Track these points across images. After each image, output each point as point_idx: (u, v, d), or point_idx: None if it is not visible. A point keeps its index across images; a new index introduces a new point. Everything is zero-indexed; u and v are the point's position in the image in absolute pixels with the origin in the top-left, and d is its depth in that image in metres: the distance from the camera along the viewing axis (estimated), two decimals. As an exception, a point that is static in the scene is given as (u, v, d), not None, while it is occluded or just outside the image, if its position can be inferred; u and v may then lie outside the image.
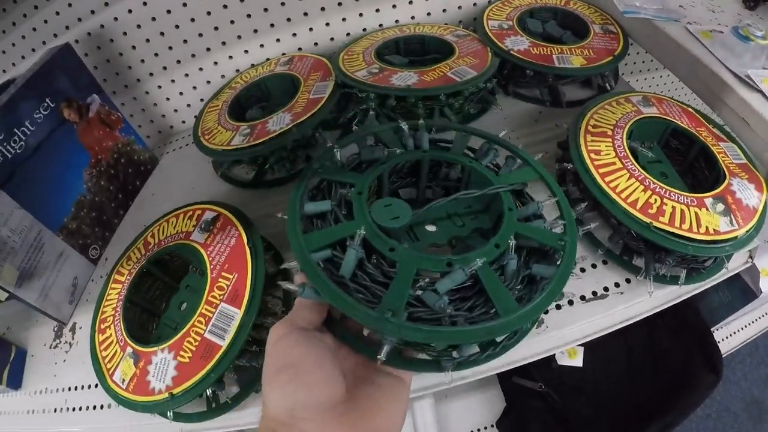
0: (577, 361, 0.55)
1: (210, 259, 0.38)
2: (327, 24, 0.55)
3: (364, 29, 0.56)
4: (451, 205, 0.35)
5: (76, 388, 0.45)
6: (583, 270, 0.39)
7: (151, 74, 0.57)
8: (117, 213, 0.55)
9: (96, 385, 0.44)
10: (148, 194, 0.55)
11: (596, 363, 0.55)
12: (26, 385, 0.48)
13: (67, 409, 0.45)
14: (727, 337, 0.72)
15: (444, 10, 0.57)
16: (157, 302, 0.43)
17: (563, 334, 0.36)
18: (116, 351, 0.38)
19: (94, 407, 0.43)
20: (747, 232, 0.36)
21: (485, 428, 0.58)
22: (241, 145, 0.44)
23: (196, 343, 0.34)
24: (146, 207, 0.54)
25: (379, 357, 0.26)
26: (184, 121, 0.61)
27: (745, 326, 0.74)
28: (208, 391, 0.37)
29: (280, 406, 0.23)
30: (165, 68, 0.56)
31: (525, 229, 0.32)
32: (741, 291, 0.59)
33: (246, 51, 0.56)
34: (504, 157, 0.37)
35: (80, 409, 0.44)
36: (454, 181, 0.38)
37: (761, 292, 0.56)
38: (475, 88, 0.44)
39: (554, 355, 0.56)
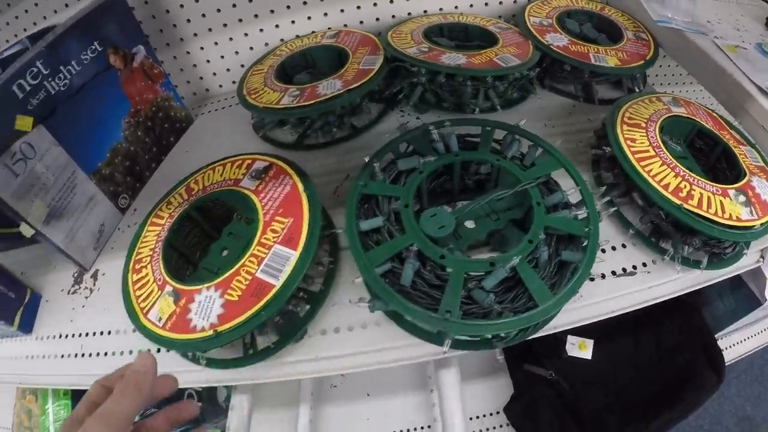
0: (587, 354, 0.58)
1: (262, 204, 0.40)
2: (375, 4, 0.59)
3: (409, 13, 0.60)
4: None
5: (94, 334, 0.46)
6: (614, 248, 0.43)
7: (196, 35, 0.59)
8: (149, 165, 0.57)
9: (117, 332, 0.45)
10: (181, 150, 0.57)
11: (605, 357, 0.58)
12: (38, 330, 0.49)
13: (83, 354, 0.46)
14: (725, 348, 0.76)
15: (486, 4, 0.62)
16: (193, 249, 0.45)
17: (597, 306, 0.40)
18: (153, 290, 0.39)
19: (113, 353, 0.44)
20: (764, 225, 0.40)
21: (491, 414, 0.61)
22: (291, 105, 0.47)
23: (247, 282, 0.36)
24: (179, 163, 0.56)
25: (444, 350, 0.33)
26: (221, 85, 0.64)
27: (745, 339, 0.79)
28: (248, 337, 0.38)
29: None
30: (210, 30, 0.59)
31: (553, 222, 0.37)
32: (746, 298, 0.64)
33: (293, 21, 0.59)
34: (527, 145, 0.42)
35: (97, 354, 0.45)
36: (485, 174, 0.42)
37: (766, 299, 0.61)
38: (519, 74, 0.49)
39: (565, 345, 0.60)
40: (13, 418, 0.80)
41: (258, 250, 0.37)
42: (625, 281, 0.41)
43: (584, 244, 0.36)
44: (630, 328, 0.59)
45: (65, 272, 0.52)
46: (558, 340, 0.58)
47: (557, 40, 0.55)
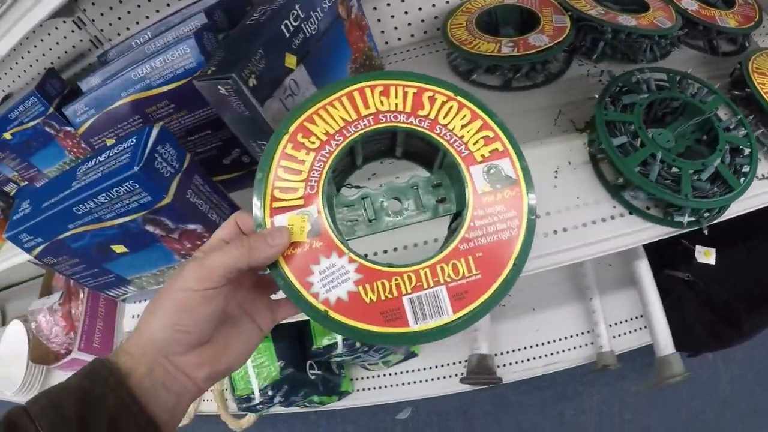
0: (711, 260, 0.92)
1: (470, 224, 0.39)
2: (539, -31, 0.87)
3: (566, -23, 0.89)
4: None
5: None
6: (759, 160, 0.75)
7: (384, -9, 0.84)
8: (360, 109, 0.81)
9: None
10: (386, 95, 0.82)
11: (726, 262, 0.92)
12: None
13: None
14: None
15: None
16: (364, 161, 0.48)
17: (749, 201, 0.71)
18: (298, 189, 0.38)
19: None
20: None
21: (630, 319, 0.93)
22: (515, 54, 0.74)
23: (389, 297, 0.36)
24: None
25: (684, 222, 0.61)
26: (399, 39, 0.89)
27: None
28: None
29: (159, 334, 0.34)
30: (399, -13, 0.84)
31: (730, 138, 0.68)
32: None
33: (472, -18, 0.85)
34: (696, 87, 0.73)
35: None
36: (674, 108, 0.72)
37: None
38: (674, 33, 0.80)
39: (694, 254, 0.93)
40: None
41: (424, 273, 0.37)
42: (764, 183, 0.74)
43: (747, 153, 0.68)
44: (742, 240, 0.93)
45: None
46: (687, 249, 0.91)
47: (690, 5, 0.87)
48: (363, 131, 0.40)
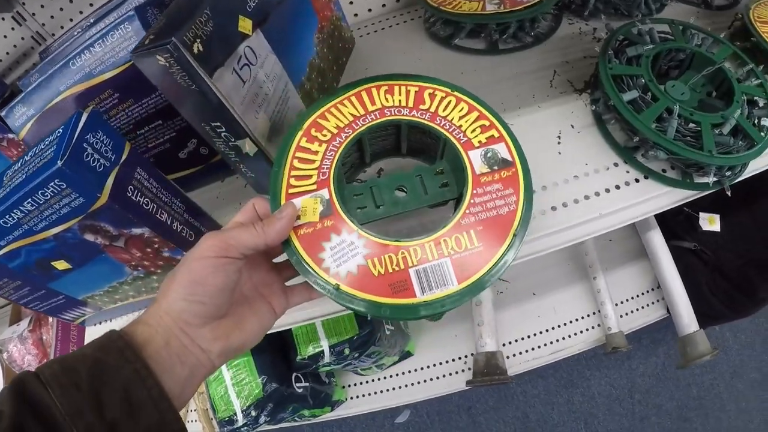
0: (716, 227, 0.85)
1: (471, 201, 0.41)
2: None
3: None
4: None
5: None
6: None
7: (350, -46, 0.74)
8: (332, 85, 0.71)
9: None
10: (361, 68, 0.72)
11: (731, 228, 0.86)
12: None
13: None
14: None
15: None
16: (372, 157, 0.51)
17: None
18: (312, 176, 0.42)
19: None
20: None
21: (650, 290, 0.86)
22: (502, 11, 0.65)
23: (396, 270, 0.38)
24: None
25: (709, 181, 0.55)
26: (370, 9, 0.79)
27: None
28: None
29: (175, 305, 0.35)
30: (365, -50, 0.74)
31: (746, 89, 0.60)
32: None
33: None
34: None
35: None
36: (677, 61, 0.65)
37: None
38: (667, -15, 0.72)
39: (698, 221, 0.87)
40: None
41: (428, 247, 0.39)
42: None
43: (763, 104, 0.61)
44: (743, 203, 0.87)
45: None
46: (691, 217, 0.85)
47: (679, -45, 0.79)
48: (370, 124, 0.45)
